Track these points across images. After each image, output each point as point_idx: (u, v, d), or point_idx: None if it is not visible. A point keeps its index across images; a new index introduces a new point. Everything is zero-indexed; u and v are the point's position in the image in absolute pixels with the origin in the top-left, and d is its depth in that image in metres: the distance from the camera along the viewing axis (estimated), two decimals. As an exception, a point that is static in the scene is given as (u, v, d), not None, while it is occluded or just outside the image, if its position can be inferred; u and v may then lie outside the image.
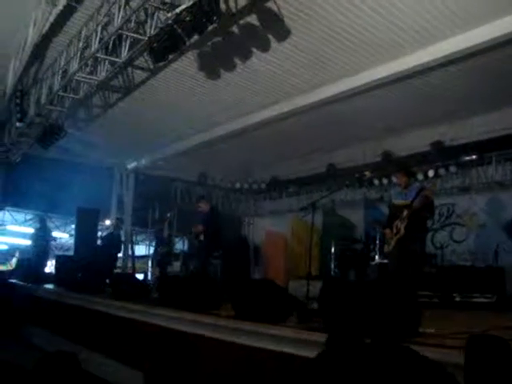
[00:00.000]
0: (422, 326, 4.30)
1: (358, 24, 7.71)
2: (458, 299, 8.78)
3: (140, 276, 15.83)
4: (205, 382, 5.36)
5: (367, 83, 9.20)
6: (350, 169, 13.54)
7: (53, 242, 15.95)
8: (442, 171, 12.06)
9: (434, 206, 7.28)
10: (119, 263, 16.15)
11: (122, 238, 14.98)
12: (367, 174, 7.56)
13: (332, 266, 11.68)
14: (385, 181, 12.95)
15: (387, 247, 7.39)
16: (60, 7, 7.35)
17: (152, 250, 16.53)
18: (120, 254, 15.08)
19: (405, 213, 7.02)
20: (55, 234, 17.76)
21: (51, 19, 7.54)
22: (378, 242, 10.42)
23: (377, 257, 10.34)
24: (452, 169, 11.92)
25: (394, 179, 7.60)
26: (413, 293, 6.30)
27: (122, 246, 15.00)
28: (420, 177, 12.19)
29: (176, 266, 15.11)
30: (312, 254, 6.63)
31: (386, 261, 8.97)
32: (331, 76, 9.44)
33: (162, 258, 12.96)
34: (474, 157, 11.58)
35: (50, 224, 16.23)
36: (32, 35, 7.86)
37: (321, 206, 12.76)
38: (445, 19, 7.38)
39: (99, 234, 15.50)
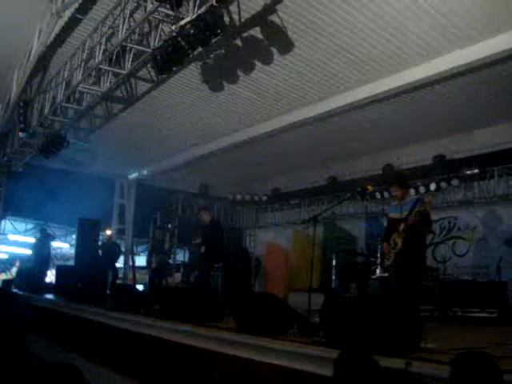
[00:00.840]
0: (423, 341, 4.29)
1: (362, 38, 7.75)
2: (459, 314, 8.72)
3: (140, 287, 15.78)
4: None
5: (370, 97, 9.23)
6: (352, 182, 13.56)
7: (53, 251, 15.90)
8: (443, 184, 12.05)
9: (431, 219, 7.19)
10: (120, 274, 16.12)
11: (122, 248, 14.98)
12: (369, 188, 7.51)
13: (333, 278, 11.63)
14: (386, 194, 12.92)
15: (386, 261, 7.34)
16: (65, 19, 7.41)
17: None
18: (119, 264, 15.06)
19: (401, 226, 6.97)
20: (56, 244, 17.72)
21: (56, 30, 7.61)
22: (379, 255, 10.34)
23: (378, 270, 10.27)
24: (454, 182, 11.91)
25: (393, 192, 7.54)
26: (413, 307, 6.27)
27: (122, 256, 15.00)
28: (422, 190, 12.19)
29: (177, 277, 15.10)
30: (313, 267, 6.60)
31: (387, 274, 8.93)
32: (334, 89, 9.48)
33: (158, 267, 12.91)
34: (475, 170, 11.57)
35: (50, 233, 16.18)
36: (36, 46, 7.90)
37: (322, 219, 12.76)
38: (447, 34, 7.42)
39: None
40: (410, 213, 6.88)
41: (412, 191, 11.25)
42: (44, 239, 15.09)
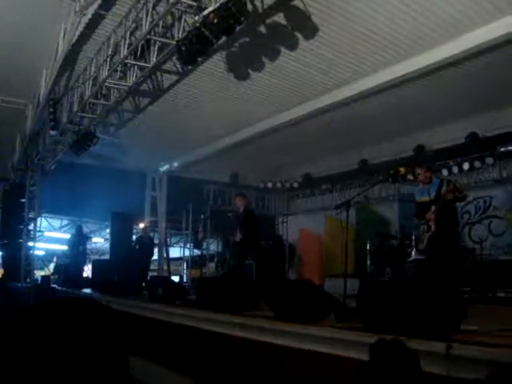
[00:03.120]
0: (463, 323, 4.21)
1: (388, 18, 7.61)
2: (500, 294, 8.57)
3: (176, 278, 15.95)
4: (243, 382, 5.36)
5: (398, 77, 9.09)
6: (383, 164, 13.41)
7: (88, 246, 16.17)
8: (477, 163, 11.80)
9: (462, 190, 7.08)
10: (155, 266, 16.31)
11: (156, 241, 15.13)
12: (402, 170, 7.44)
13: (368, 263, 11.54)
14: (419, 175, 12.73)
15: (421, 245, 7.29)
16: (89, 16, 7.45)
17: (187, 253, 16.64)
18: (154, 257, 15.24)
19: (432, 208, 6.93)
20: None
21: (80, 28, 7.66)
22: (413, 237, 10.24)
23: (413, 253, 10.16)
24: (488, 160, 11.65)
25: (420, 176, 7.44)
26: (453, 289, 6.19)
27: (156, 249, 15.16)
28: (455, 170, 12.00)
29: (211, 266, 15.20)
30: (347, 252, 6.55)
31: (423, 257, 8.84)
32: (362, 72, 9.36)
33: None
34: (510, 148, 11.30)
35: (85, 229, 16.46)
36: (62, 45, 7.97)
37: (354, 203, 12.67)
38: (476, 8, 7.25)
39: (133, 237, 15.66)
40: (437, 194, 6.86)
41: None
42: (79, 235, 15.36)
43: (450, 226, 6.92)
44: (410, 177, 12.91)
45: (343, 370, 4.17)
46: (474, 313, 5.44)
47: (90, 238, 16.59)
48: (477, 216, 11.97)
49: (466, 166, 11.92)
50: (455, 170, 12.03)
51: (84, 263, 15.63)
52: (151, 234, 15.06)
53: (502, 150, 11.39)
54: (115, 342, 1.27)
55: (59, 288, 13.27)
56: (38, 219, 16.31)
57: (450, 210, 6.95)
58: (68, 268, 14.48)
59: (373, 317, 4.44)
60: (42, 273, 19.19)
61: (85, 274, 15.89)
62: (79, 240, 15.33)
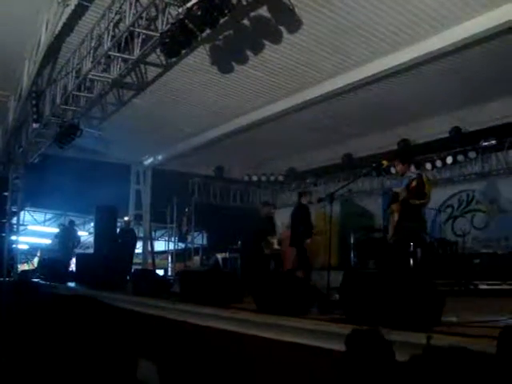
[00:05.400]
0: (444, 315, 4.25)
1: (372, 12, 7.62)
2: (481, 287, 8.66)
3: (160, 272, 15.92)
4: (225, 375, 5.38)
5: (383, 71, 9.11)
6: (367, 158, 13.48)
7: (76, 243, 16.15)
8: (460, 157, 11.89)
9: (426, 192, 7.07)
10: (139, 259, 16.27)
11: (140, 234, 15.10)
12: (385, 163, 7.46)
13: (351, 255, 11.61)
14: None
15: (389, 236, 7.37)
16: (72, 7, 7.37)
17: (172, 246, 16.63)
18: (138, 250, 15.20)
19: (399, 198, 7.04)
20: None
21: (63, 19, 7.59)
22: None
23: (397, 246, 10.21)
24: (471, 154, 11.75)
25: (397, 168, 7.51)
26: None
27: (140, 242, 15.13)
28: (439, 164, 12.09)
29: (196, 260, 15.19)
30: (331, 245, 6.59)
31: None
32: (346, 65, 9.36)
33: None
34: (493, 142, 11.41)
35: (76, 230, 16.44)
36: (45, 36, 7.89)
37: (338, 197, 12.71)
38: (459, 4, 7.28)
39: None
40: (406, 188, 6.94)
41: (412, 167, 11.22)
42: (71, 231, 15.34)
43: (410, 221, 6.98)
44: (394, 170, 13.01)
45: (325, 361, 4.20)
46: (455, 305, 5.50)
47: (80, 238, 16.55)
48: (459, 209, 12.08)
49: (449, 159, 12.01)
50: (438, 163, 12.12)
51: (71, 257, 15.51)
52: (134, 228, 15.03)
53: (485, 144, 11.50)
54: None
55: (43, 282, 13.18)
56: (21, 213, 16.18)
57: (412, 204, 7.00)
58: (53, 262, 14.38)
59: (355, 309, 4.47)
60: (26, 267, 19.04)
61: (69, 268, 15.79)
62: (70, 236, 15.31)
